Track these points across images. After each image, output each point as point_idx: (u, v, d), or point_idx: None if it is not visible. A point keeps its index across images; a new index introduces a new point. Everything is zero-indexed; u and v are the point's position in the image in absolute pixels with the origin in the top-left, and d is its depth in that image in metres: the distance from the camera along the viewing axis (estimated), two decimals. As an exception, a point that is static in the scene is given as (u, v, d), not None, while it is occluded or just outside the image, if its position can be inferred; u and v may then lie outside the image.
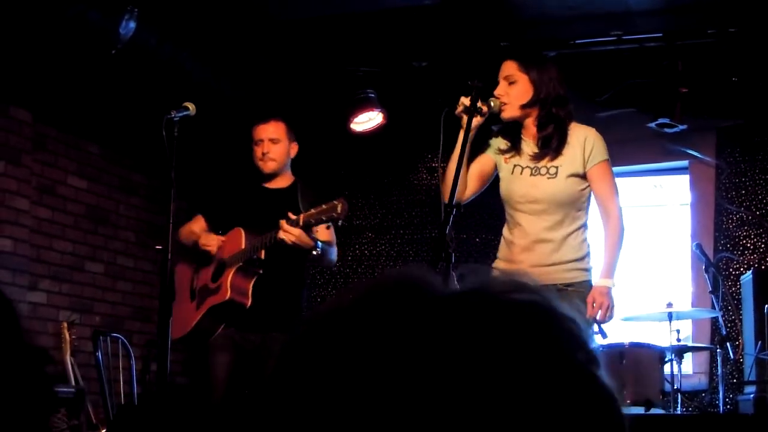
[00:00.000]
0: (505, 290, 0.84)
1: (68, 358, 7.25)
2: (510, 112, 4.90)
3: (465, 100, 4.78)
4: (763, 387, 6.53)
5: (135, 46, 6.53)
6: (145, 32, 6.59)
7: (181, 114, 5.07)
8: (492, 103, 4.84)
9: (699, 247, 7.43)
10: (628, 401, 6.53)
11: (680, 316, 6.94)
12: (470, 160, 4.99)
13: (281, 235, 5.19)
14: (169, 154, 4.93)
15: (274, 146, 5.84)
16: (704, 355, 7.82)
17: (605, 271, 4.83)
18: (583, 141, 4.85)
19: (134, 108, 7.66)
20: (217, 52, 7.15)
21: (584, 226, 4.95)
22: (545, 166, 4.85)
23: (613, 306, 4.75)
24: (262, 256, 5.43)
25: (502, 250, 5.02)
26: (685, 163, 8.35)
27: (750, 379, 6.79)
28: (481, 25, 7.07)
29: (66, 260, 7.97)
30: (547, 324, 0.82)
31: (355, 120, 7.98)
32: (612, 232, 4.91)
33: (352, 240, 9.06)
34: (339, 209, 5.00)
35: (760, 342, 6.61)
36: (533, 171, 4.88)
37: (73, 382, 7.11)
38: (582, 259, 4.86)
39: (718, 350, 7.06)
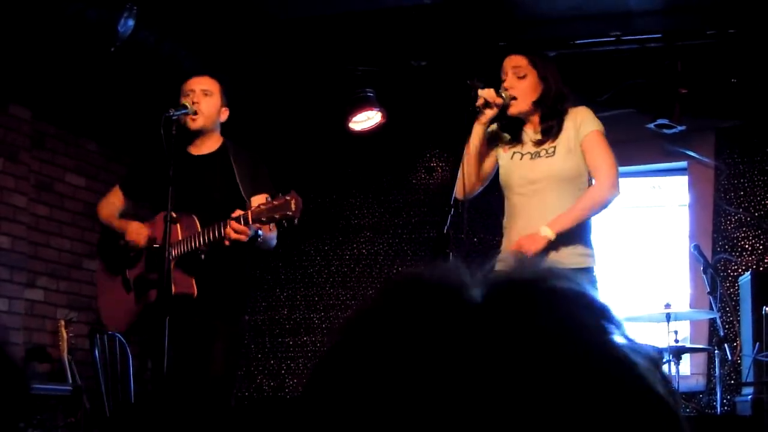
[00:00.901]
0: (540, 278, 0.81)
1: (65, 356, 7.25)
2: (519, 107, 4.86)
3: (484, 93, 4.76)
4: (760, 388, 6.53)
5: (134, 43, 6.53)
6: (144, 30, 6.59)
7: (179, 112, 5.04)
8: (503, 95, 4.82)
9: (697, 248, 7.43)
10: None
11: (678, 317, 6.95)
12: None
13: (233, 236, 4.76)
14: (168, 153, 4.88)
15: (206, 98, 5.25)
16: (702, 357, 7.82)
17: (555, 221, 4.63)
18: (575, 117, 4.82)
19: (133, 106, 7.65)
20: (216, 51, 7.14)
21: None
22: (544, 149, 4.84)
23: (533, 252, 4.55)
24: (202, 246, 4.96)
25: (504, 242, 4.96)
26: (683, 164, 8.35)
27: (748, 380, 6.78)
28: (481, 25, 7.06)
29: (64, 258, 7.96)
30: (593, 311, 0.80)
31: (354, 119, 7.97)
32: (590, 193, 4.74)
33: (350, 239, 9.05)
34: (293, 206, 4.58)
35: (758, 343, 6.61)
36: (533, 155, 4.86)
37: (70, 380, 7.11)
38: (583, 242, 4.76)
39: (716, 351, 7.06)
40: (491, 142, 5.04)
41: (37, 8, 6.11)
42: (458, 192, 4.77)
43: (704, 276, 7.35)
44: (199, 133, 5.27)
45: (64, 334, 7.33)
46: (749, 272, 7.22)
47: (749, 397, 6.53)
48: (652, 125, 7.51)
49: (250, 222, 4.71)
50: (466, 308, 0.78)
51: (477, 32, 7.15)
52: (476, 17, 6.95)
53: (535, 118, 4.92)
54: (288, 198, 4.60)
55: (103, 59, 6.69)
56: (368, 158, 9.00)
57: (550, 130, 4.84)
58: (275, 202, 4.64)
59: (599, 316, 0.80)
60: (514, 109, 4.87)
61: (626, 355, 0.77)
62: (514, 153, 4.94)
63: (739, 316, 7.36)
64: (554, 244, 4.66)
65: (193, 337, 5.03)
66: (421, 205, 8.91)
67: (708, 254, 7.66)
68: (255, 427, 7.33)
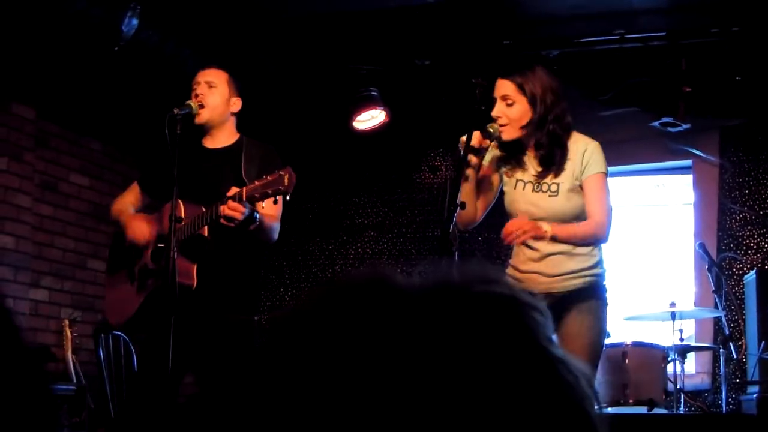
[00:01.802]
0: (469, 282, 0.84)
1: (70, 356, 7.25)
2: (509, 134, 4.77)
3: (473, 141, 4.64)
4: (766, 387, 6.52)
5: (137, 43, 6.53)
6: (148, 29, 6.58)
7: (184, 111, 5.02)
8: (491, 130, 4.73)
9: (702, 246, 7.43)
10: (631, 401, 6.53)
11: (683, 316, 6.94)
12: (478, 183, 4.90)
13: (226, 212, 4.66)
14: (172, 152, 4.86)
15: (210, 90, 5.18)
16: (707, 355, 7.81)
17: (558, 226, 4.62)
18: (582, 152, 4.74)
19: (136, 105, 7.66)
20: (220, 50, 7.14)
21: None
22: (547, 183, 4.77)
23: (523, 237, 4.51)
24: (206, 234, 4.87)
25: (514, 258, 4.94)
26: (688, 162, 8.34)
27: (753, 379, 6.78)
28: (484, 24, 7.06)
29: (68, 257, 7.97)
30: (513, 314, 0.83)
31: (358, 118, 7.98)
32: (590, 225, 4.71)
33: (355, 238, 9.06)
34: (285, 181, 4.50)
35: (763, 342, 6.61)
36: (535, 187, 4.79)
37: (74, 380, 7.11)
38: (594, 267, 4.77)
39: (721, 350, 7.05)
40: (495, 165, 4.98)
41: (40, 7, 6.11)
42: (458, 223, 4.72)
43: (709, 274, 7.34)
44: (209, 126, 5.22)
45: (69, 334, 7.34)
46: (754, 270, 7.22)
47: (754, 395, 6.52)
48: (656, 123, 7.51)
49: (244, 198, 4.64)
50: (395, 308, 0.81)
51: (481, 31, 7.15)
52: (480, 16, 6.95)
53: (532, 144, 4.87)
54: (282, 173, 4.54)
55: (107, 58, 6.69)
56: (372, 157, 9.00)
57: (550, 158, 4.77)
58: (268, 178, 4.58)
59: (526, 324, 0.83)
60: (506, 136, 4.79)
61: (549, 365, 0.81)
62: (517, 181, 4.86)
63: (744, 314, 7.35)
64: (564, 274, 4.71)
65: (190, 333, 4.92)
66: (425, 204, 8.91)
67: (713, 253, 7.66)
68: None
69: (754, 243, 7.93)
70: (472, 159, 4.71)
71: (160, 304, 4.77)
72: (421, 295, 0.83)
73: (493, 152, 4.94)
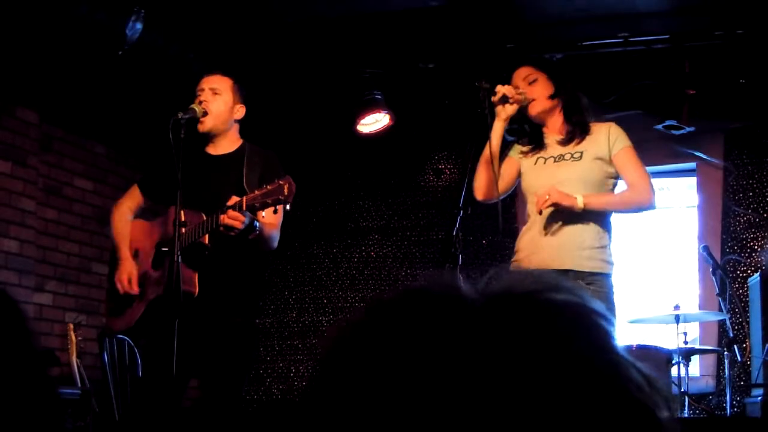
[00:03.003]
0: (533, 291, 0.84)
1: (74, 360, 7.25)
2: (538, 107, 4.89)
3: (503, 89, 4.79)
4: (770, 390, 6.51)
5: (142, 47, 6.53)
6: (152, 33, 6.59)
7: (188, 116, 5.01)
8: (522, 96, 4.84)
9: (706, 249, 7.42)
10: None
11: (687, 319, 6.93)
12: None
13: (226, 221, 4.66)
14: (176, 156, 4.86)
15: (215, 97, 5.15)
16: (711, 358, 7.81)
17: (591, 195, 4.68)
18: (607, 130, 4.84)
19: (141, 109, 7.66)
20: (224, 53, 7.14)
21: (608, 214, 4.83)
22: (569, 152, 4.84)
23: (556, 204, 4.58)
24: (206, 242, 4.87)
25: (521, 241, 4.94)
26: (692, 165, 8.34)
27: (757, 381, 6.76)
28: (488, 27, 7.06)
29: (72, 261, 7.97)
30: (580, 321, 0.83)
31: (362, 122, 7.97)
32: (634, 192, 4.76)
33: (359, 242, 9.06)
34: (285, 190, 4.49)
35: (767, 344, 6.59)
36: (557, 159, 4.86)
37: (79, 384, 7.11)
38: (603, 247, 4.74)
39: (725, 353, 7.05)
40: (515, 152, 5.03)
41: (44, 11, 6.11)
42: (476, 191, 4.82)
43: (713, 277, 7.34)
44: (213, 134, 5.20)
45: (73, 338, 7.34)
46: (758, 273, 7.21)
47: (759, 398, 6.51)
48: (660, 126, 7.50)
49: (244, 208, 4.63)
50: (464, 318, 0.82)
51: (485, 34, 7.15)
52: (484, 19, 6.95)
53: (556, 121, 4.93)
54: (281, 182, 4.53)
55: (111, 62, 6.70)
56: (376, 161, 9.01)
57: (575, 128, 4.86)
58: (268, 187, 4.57)
59: (594, 331, 0.83)
60: (534, 110, 4.90)
61: (617, 371, 0.81)
62: (537, 158, 4.93)
63: (748, 317, 7.34)
64: (576, 247, 4.70)
65: (193, 338, 4.89)
66: (429, 207, 8.92)
67: (717, 255, 7.65)
68: (264, 430, 7.33)
69: (758, 245, 7.92)
70: (506, 107, 4.81)
71: (164, 309, 4.79)
72: (488, 306, 0.83)
73: (516, 147, 5.03)
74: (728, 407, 6.95)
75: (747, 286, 7.53)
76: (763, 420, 6.29)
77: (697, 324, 7.78)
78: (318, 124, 8.66)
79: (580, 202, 4.59)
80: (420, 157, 9.01)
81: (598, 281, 4.69)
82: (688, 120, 7.35)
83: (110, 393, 6.56)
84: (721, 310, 7.25)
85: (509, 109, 4.83)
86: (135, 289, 5.15)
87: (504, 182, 4.99)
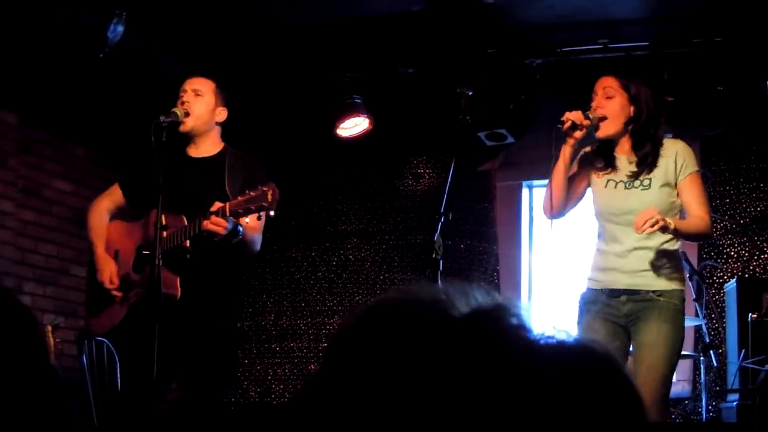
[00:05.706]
0: (499, 314, 0.87)
1: (52, 362, 7.22)
2: (608, 129, 4.90)
3: (571, 116, 4.81)
4: (746, 395, 6.56)
5: (123, 49, 6.52)
6: (133, 36, 6.58)
7: (169, 119, 5.02)
8: (591, 116, 4.83)
9: (683, 255, 7.44)
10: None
11: (664, 324, 6.96)
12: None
13: (209, 227, 4.70)
14: (158, 160, 4.87)
15: (196, 99, 5.18)
16: (687, 363, 7.84)
17: (680, 221, 4.78)
18: (675, 153, 4.87)
19: (121, 111, 7.65)
20: (205, 56, 7.14)
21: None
22: (640, 180, 4.86)
23: (656, 225, 4.57)
24: (188, 246, 4.91)
25: (596, 259, 5.02)
26: (669, 171, 8.37)
27: (733, 387, 6.81)
28: (469, 32, 7.08)
29: (51, 263, 7.95)
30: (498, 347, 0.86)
31: (342, 125, 7.98)
32: (702, 222, 4.84)
33: (337, 245, 9.06)
34: (269, 197, 4.54)
35: (743, 350, 6.64)
36: (627, 185, 4.88)
37: (56, 386, 7.08)
38: (675, 267, 4.87)
39: (701, 358, 7.08)
40: (584, 165, 5.05)
41: (25, 13, 6.10)
42: (545, 210, 4.95)
43: (690, 283, 7.37)
44: (193, 135, 5.22)
45: (52, 340, 7.31)
46: (734, 279, 7.26)
47: (734, 403, 6.56)
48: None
49: (228, 214, 4.66)
50: (447, 327, 0.85)
51: (465, 39, 7.17)
52: (464, 24, 6.96)
53: (626, 143, 4.94)
54: (265, 189, 4.57)
55: (92, 64, 6.69)
56: (355, 165, 9.01)
57: (645, 159, 4.87)
58: (252, 194, 4.61)
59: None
60: (603, 132, 4.91)
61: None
62: (608, 180, 4.96)
63: (724, 322, 7.40)
64: (659, 268, 4.81)
65: (175, 342, 4.92)
66: (408, 212, 8.93)
67: (694, 261, 7.69)
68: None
69: (734, 251, 7.97)
70: (572, 136, 4.83)
71: (145, 312, 4.79)
72: (462, 324, 0.86)
73: (583, 152, 5.07)
74: (704, 412, 6.99)
75: (723, 292, 7.57)
76: (738, 425, 6.33)
77: (673, 329, 7.81)
78: (297, 127, 8.66)
79: (672, 226, 4.65)
80: (399, 161, 9.02)
81: (668, 293, 4.82)
82: (666, 126, 7.38)
83: (89, 395, 6.55)
84: (697, 315, 7.28)
85: (577, 135, 4.84)
86: (116, 285, 5.17)
87: (576, 196, 5.03)
